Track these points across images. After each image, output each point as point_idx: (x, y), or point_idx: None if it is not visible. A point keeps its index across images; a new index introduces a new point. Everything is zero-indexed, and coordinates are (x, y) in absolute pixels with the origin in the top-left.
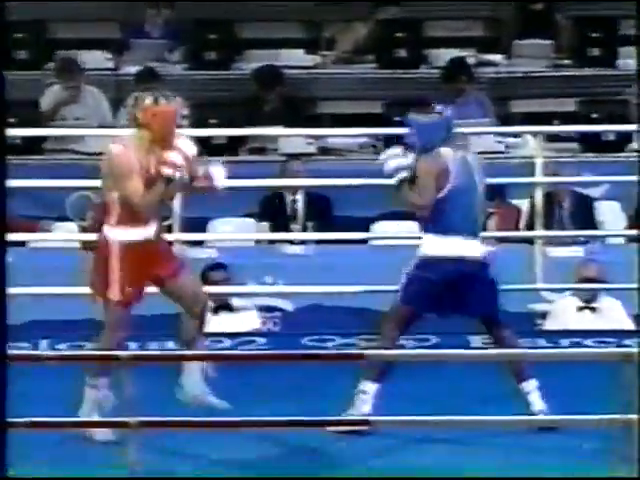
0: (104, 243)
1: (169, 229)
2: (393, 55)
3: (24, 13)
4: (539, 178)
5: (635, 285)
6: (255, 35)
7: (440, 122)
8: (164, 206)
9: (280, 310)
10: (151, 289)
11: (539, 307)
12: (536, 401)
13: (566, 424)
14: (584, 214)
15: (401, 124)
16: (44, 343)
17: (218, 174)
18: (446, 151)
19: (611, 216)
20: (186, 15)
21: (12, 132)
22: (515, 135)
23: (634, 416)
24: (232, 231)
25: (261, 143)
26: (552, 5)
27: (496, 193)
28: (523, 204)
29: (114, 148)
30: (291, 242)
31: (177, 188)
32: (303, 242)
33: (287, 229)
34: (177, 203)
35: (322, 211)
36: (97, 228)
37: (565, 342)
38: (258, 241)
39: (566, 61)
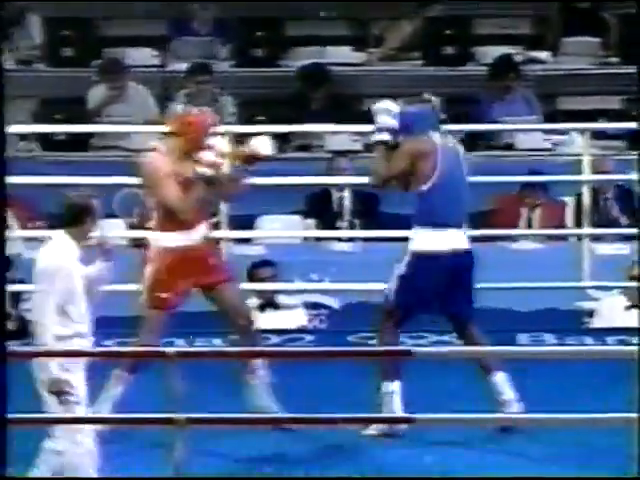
0: (148, 247)
1: (217, 226)
2: (440, 52)
3: (71, 11)
4: (586, 176)
5: None
6: (302, 32)
7: (429, 111)
8: (213, 206)
9: (326, 307)
10: None
11: (586, 305)
12: (506, 390)
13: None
14: (630, 208)
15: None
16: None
17: (263, 144)
18: (435, 137)
19: None
20: (233, 12)
21: (58, 128)
22: (562, 132)
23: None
24: (279, 228)
25: (307, 140)
26: (599, 3)
27: (539, 189)
28: (570, 201)
29: (148, 156)
30: (338, 239)
31: (219, 186)
32: (350, 239)
33: (334, 226)
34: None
35: (369, 208)
36: (145, 226)
37: (612, 340)
38: (305, 238)
39: (613, 59)
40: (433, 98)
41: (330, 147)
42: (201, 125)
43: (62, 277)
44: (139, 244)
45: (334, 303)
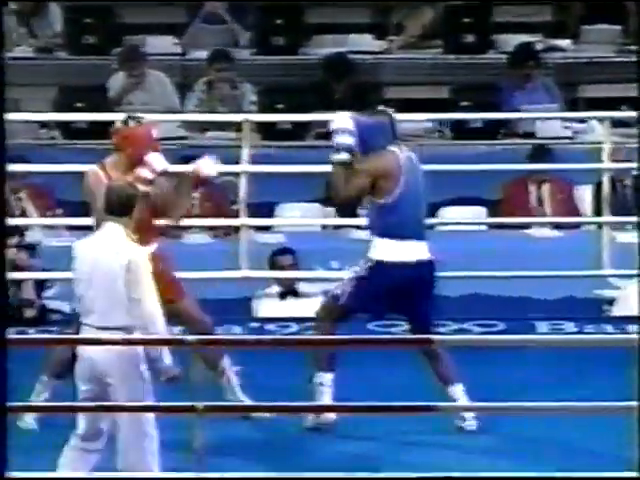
0: None
1: (237, 214)
2: (460, 40)
3: None
4: (606, 164)
5: None
6: (323, 20)
7: (386, 123)
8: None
9: None
10: (221, 274)
11: (607, 293)
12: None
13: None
14: None
15: (468, 109)
16: None
17: (206, 165)
18: (395, 151)
19: None
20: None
21: (79, 117)
22: (582, 120)
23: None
24: (299, 216)
25: (328, 128)
26: None
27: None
28: (588, 189)
29: (90, 169)
30: (357, 227)
31: (154, 203)
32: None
33: (353, 214)
34: (243, 189)
35: None
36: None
37: (632, 328)
38: (324, 226)
39: (633, 46)
40: (389, 110)
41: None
42: (139, 139)
43: (146, 269)
44: None
45: None
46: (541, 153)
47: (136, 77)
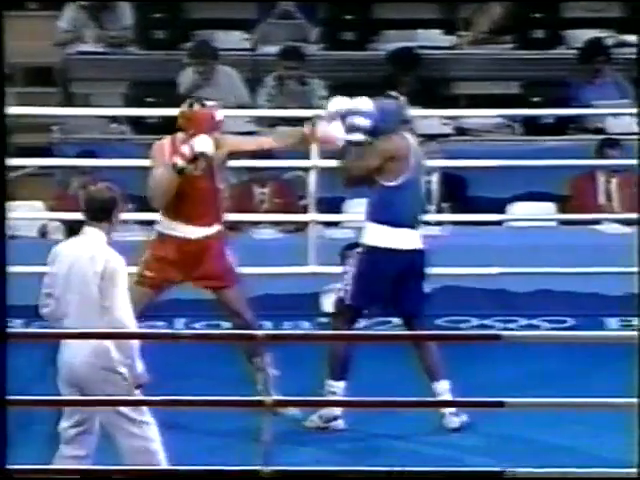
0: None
1: (305, 209)
2: (530, 35)
3: None
4: None
5: None
6: (392, 15)
7: (397, 108)
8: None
9: None
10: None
11: None
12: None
13: None
14: None
15: (538, 105)
16: (181, 322)
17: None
18: (406, 136)
19: None
20: None
21: (150, 112)
22: None
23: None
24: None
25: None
26: None
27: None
28: None
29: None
30: (426, 223)
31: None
32: (438, 223)
33: None
34: (313, 184)
35: (457, 192)
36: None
37: None
38: None
39: None
40: (400, 96)
41: (420, 131)
42: (200, 121)
43: (122, 276)
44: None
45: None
46: (610, 148)
47: (206, 73)
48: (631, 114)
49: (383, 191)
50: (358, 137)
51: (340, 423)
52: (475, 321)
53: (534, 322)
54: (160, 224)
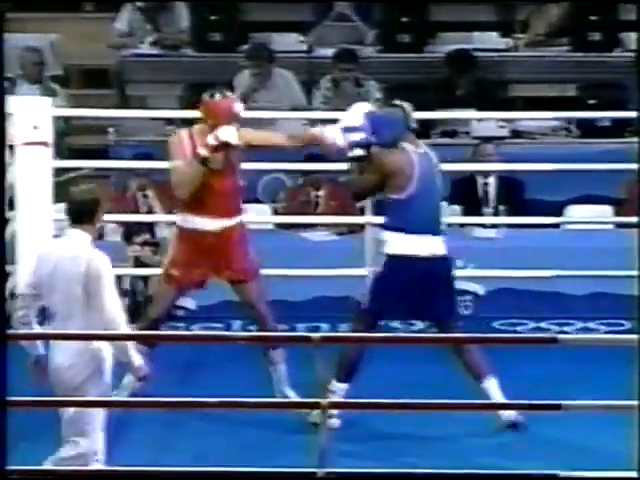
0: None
1: (362, 211)
2: (587, 38)
3: None
4: None
5: None
6: (448, 18)
7: (400, 117)
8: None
9: (471, 293)
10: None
11: None
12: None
13: None
14: None
15: (595, 107)
16: (237, 324)
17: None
18: (409, 147)
19: None
20: None
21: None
22: None
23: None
24: None
25: (453, 126)
26: None
27: None
28: None
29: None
30: (483, 225)
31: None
32: (495, 226)
33: (479, 212)
34: None
35: (514, 194)
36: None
37: None
38: (449, 224)
39: None
40: (405, 104)
41: (476, 133)
42: (221, 112)
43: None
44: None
45: (479, 289)
46: None
47: (262, 75)
48: None
49: (394, 204)
50: (358, 152)
51: (336, 422)
52: (531, 324)
53: (590, 325)
54: (180, 219)
